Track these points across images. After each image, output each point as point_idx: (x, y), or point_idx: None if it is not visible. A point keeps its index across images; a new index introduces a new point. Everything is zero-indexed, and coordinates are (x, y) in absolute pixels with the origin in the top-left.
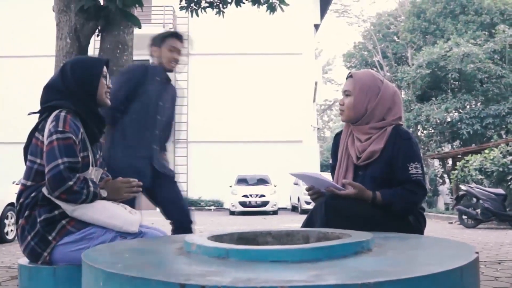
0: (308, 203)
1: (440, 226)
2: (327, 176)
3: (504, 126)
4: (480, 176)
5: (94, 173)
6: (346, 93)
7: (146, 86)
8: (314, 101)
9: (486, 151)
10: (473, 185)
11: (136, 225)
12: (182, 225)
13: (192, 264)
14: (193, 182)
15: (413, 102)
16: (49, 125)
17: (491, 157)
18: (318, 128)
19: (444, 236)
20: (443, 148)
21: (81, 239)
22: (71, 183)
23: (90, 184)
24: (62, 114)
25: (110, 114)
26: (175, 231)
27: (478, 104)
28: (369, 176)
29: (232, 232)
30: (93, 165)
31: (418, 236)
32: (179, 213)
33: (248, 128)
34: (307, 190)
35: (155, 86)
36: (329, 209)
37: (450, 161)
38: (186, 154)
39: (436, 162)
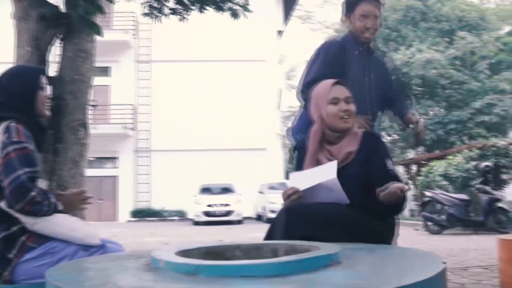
0: (273, 211)
1: (406, 232)
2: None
3: (466, 131)
4: (444, 182)
5: (42, 185)
6: (348, 100)
7: (345, 64)
8: (278, 108)
9: (450, 157)
10: (438, 191)
11: (98, 237)
12: None
13: (160, 281)
14: (155, 192)
15: None
16: (0, 137)
17: (455, 163)
18: (282, 136)
19: (410, 243)
20: (407, 154)
21: (43, 254)
22: (34, 193)
23: (50, 195)
24: (13, 124)
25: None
26: None
27: (441, 110)
28: (348, 176)
29: (199, 246)
30: (40, 177)
31: (385, 247)
32: None
33: (211, 136)
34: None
35: (356, 62)
36: (290, 216)
37: (414, 167)
38: (148, 163)
39: (401, 169)
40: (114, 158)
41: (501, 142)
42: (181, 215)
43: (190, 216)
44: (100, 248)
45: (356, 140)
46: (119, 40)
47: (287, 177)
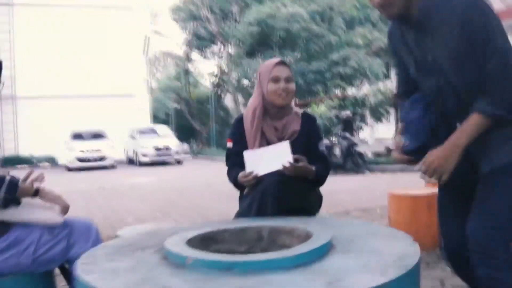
0: (145, 155)
1: None
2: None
3: (324, 82)
4: None
5: None
6: (289, 79)
7: (401, 49)
8: (145, 54)
9: (314, 105)
10: None
11: (59, 216)
12: None
13: (205, 281)
14: (23, 140)
15: (243, 58)
16: None
17: (319, 112)
18: (148, 81)
19: None
20: None
21: (8, 246)
22: None
23: (1, 188)
24: None
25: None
26: None
27: (301, 61)
28: (293, 152)
29: (195, 234)
30: None
31: (347, 223)
32: None
33: (79, 83)
34: (245, 176)
35: (403, 44)
36: (282, 189)
37: None
38: (12, 110)
39: None
40: None
41: (359, 93)
42: (51, 161)
43: (61, 162)
44: (65, 227)
45: (298, 120)
46: None
47: (153, 122)
